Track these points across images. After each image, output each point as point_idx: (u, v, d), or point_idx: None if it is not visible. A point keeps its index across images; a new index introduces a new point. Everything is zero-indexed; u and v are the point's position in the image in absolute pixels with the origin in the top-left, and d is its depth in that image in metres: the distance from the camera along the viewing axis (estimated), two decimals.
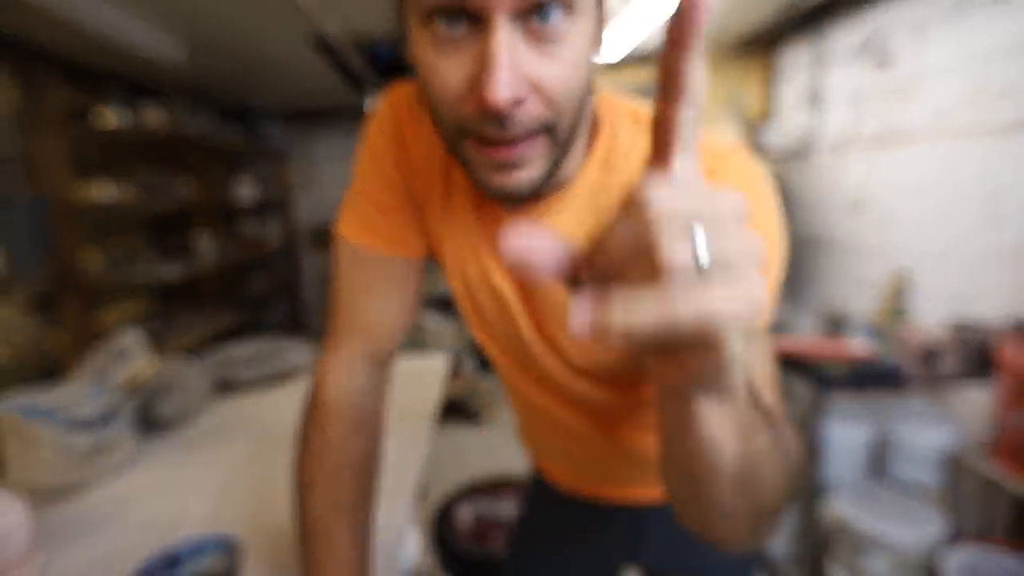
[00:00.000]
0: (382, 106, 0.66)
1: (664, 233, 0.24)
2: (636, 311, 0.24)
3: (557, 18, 0.41)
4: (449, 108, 0.44)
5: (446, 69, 0.43)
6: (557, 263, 0.27)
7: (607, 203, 0.56)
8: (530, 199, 0.48)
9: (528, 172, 0.46)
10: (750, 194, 0.52)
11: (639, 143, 0.55)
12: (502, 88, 0.39)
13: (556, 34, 0.41)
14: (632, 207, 0.26)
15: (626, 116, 0.57)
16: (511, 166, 0.46)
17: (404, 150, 0.64)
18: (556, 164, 0.48)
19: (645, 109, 0.57)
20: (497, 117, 0.42)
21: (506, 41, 0.40)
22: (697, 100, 0.26)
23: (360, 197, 0.67)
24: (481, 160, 0.46)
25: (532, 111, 0.43)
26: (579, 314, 0.25)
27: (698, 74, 0.26)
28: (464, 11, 0.41)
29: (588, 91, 0.47)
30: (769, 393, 0.51)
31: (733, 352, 0.27)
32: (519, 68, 0.41)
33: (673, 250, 0.24)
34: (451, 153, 0.50)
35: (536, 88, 0.42)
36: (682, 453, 0.36)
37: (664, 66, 0.26)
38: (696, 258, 0.24)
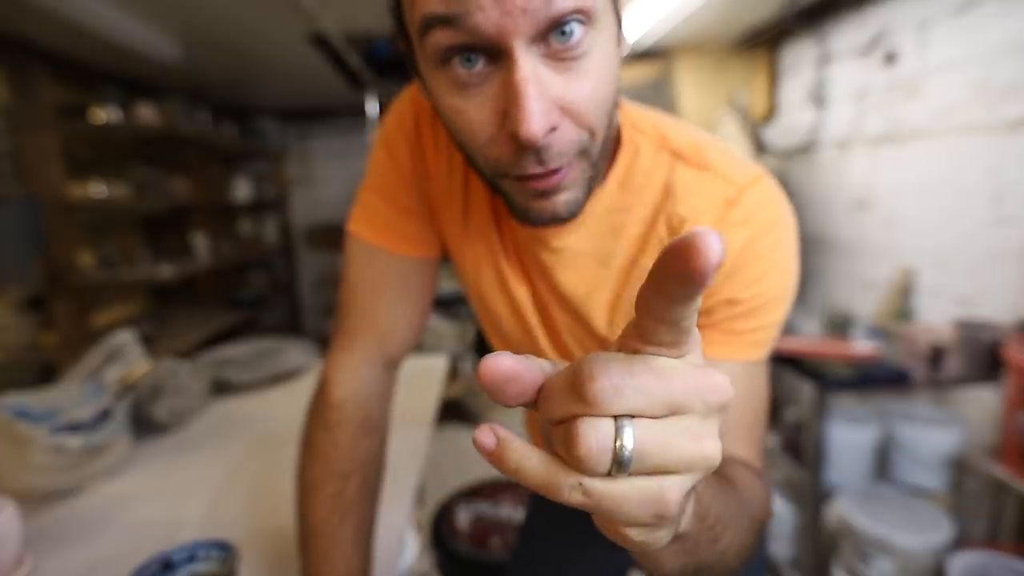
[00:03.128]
0: (401, 106, 0.65)
1: (588, 423, 0.23)
2: (526, 467, 0.24)
3: (578, 33, 0.38)
4: (481, 150, 0.43)
5: (471, 110, 0.41)
6: (531, 389, 0.26)
7: (623, 222, 0.55)
8: (570, 219, 0.47)
9: (570, 194, 0.45)
10: (763, 230, 0.51)
11: (661, 163, 0.54)
12: (535, 120, 0.37)
13: (578, 50, 0.39)
14: (576, 376, 0.23)
15: (650, 137, 0.55)
16: (551, 192, 0.44)
17: (422, 154, 0.63)
18: (593, 182, 0.48)
19: (674, 132, 0.55)
20: (534, 150, 0.40)
21: (530, 69, 0.38)
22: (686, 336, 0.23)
23: (375, 195, 0.66)
24: (522, 191, 0.45)
25: (567, 136, 0.41)
26: (485, 435, 0.25)
27: (691, 318, 0.22)
28: (481, 47, 0.38)
29: (616, 102, 0.46)
30: (743, 444, 0.52)
31: (643, 539, 0.26)
32: (547, 94, 0.39)
33: (588, 441, 0.22)
34: (491, 191, 0.49)
35: (567, 111, 0.40)
36: None
37: (657, 301, 0.22)
38: (613, 455, 0.22)
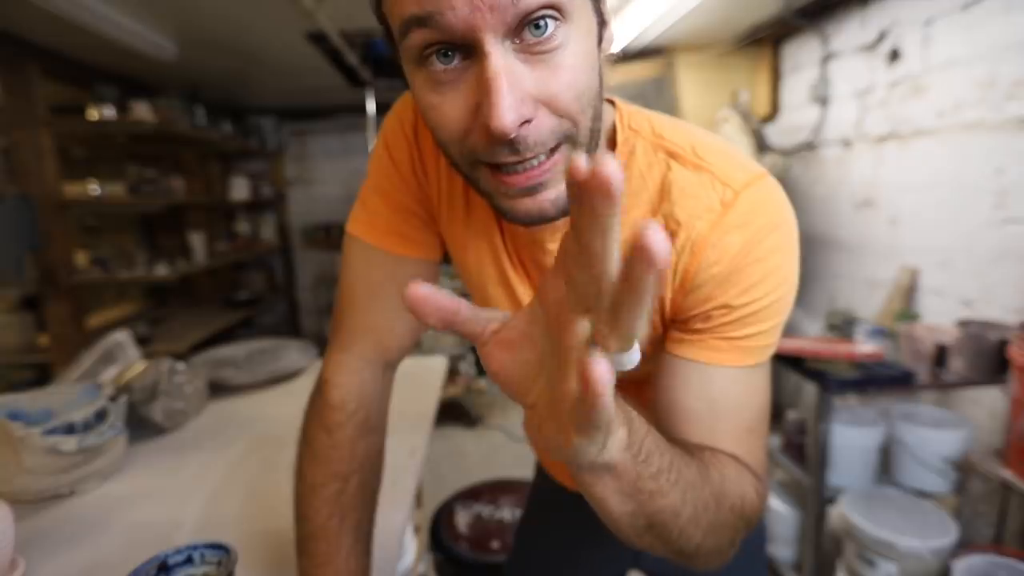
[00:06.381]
0: (402, 107, 0.64)
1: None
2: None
3: (550, 27, 0.39)
4: (457, 143, 0.43)
5: (447, 105, 0.41)
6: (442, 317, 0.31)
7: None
8: (556, 218, 0.46)
9: (554, 191, 0.44)
10: (761, 234, 0.50)
11: (656, 164, 0.53)
12: (506, 113, 0.37)
13: (552, 43, 0.39)
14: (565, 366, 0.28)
15: (646, 137, 0.54)
16: (534, 189, 0.43)
17: (421, 156, 0.62)
18: None
19: (671, 132, 0.54)
20: (506, 142, 0.40)
21: (502, 63, 0.38)
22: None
23: (375, 196, 0.65)
24: (501, 189, 0.44)
25: (545, 126, 0.41)
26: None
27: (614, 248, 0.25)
28: (455, 43, 0.39)
29: (600, 93, 0.45)
30: (737, 447, 0.52)
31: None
32: (520, 87, 0.39)
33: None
34: (469, 184, 0.48)
35: (544, 103, 0.40)
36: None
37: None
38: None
